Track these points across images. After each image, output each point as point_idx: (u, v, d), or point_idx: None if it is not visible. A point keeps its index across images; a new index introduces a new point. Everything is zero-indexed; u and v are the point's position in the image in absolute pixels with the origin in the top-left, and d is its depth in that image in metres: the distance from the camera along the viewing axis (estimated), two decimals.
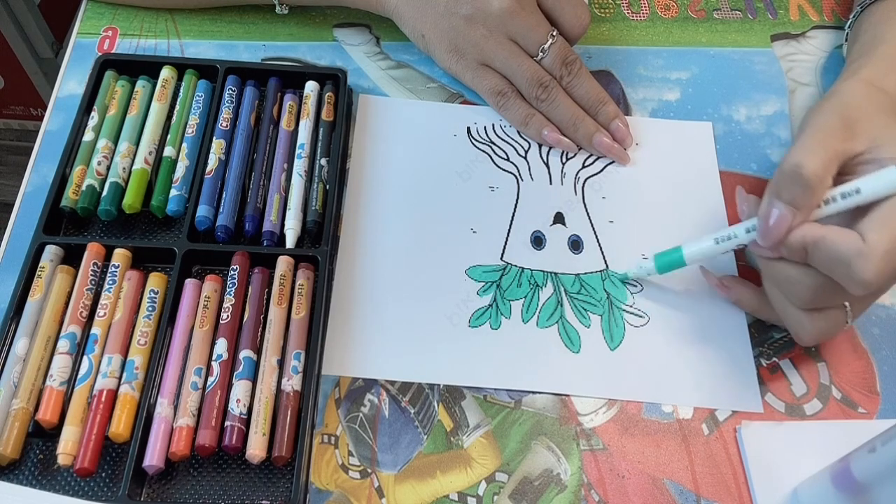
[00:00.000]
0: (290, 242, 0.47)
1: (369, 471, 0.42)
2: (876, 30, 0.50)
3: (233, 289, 0.44)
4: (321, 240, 0.47)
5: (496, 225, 0.50)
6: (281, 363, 0.43)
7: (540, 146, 0.53)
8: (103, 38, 0.56)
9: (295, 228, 0.47)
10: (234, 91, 0.51)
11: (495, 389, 0.45)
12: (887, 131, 0.41)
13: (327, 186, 0.49)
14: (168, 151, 0.49)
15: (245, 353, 0.43)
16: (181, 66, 0.53)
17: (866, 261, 0.37)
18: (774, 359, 0.46)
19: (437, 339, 0.46)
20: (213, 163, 0.48)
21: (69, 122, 0.50)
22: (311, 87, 0.52)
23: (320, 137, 0.51)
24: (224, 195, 0.47)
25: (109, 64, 0.52)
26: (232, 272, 0.45)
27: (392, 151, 0.52)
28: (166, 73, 0.52)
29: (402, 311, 0.47)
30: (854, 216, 0.40)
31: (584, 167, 0.53)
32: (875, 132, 0.41)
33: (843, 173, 0.41)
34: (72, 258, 0.46)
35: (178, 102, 0.51)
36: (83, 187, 0.47)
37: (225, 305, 0.44)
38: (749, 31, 0.60)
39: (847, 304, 0.42)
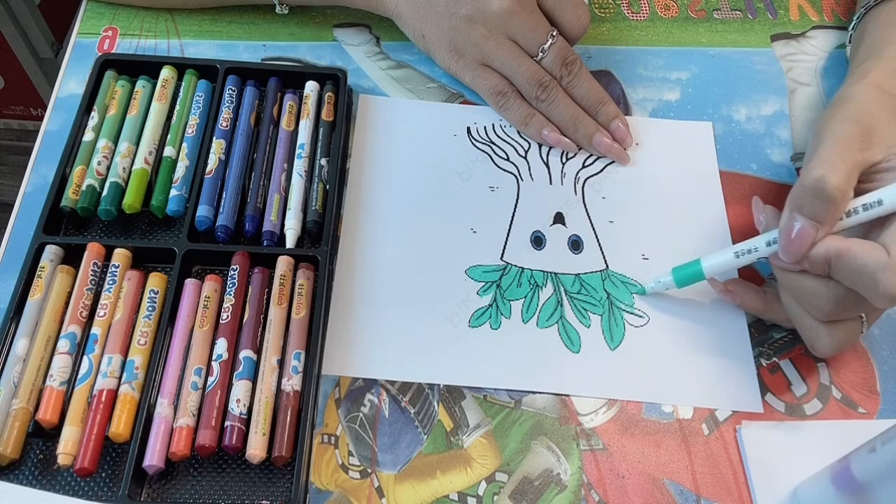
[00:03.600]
0: (290, 242, 0.47)
1: (369, 471, 0.42)
2: (882, 32, 0.50)
3: (233, 289, 0.44)
4: (321, 240, 0.47)
5: (496, 225, 0.50)
6: (281, 363, 0.43)
7: (540, 146, 0.53)
8: (103, 38, 0.56)
9: (295, 228, 0.47)
10: (234, 91, 0.51)
11: (495, 389, 0.45)
12: None
13: (327, 186, 0.49)
14: (168, 151, 0.49)
15: (245, 353, 0.43)
16: (181, 66, 0.53)
17: (892, 274, 0.36)
18: (774, 359, 0.46)
19: (437, 339, 0.46)
20: (213, 163, 0.48)
21: (69, 122, 0.50)
22: (311, 87, 0.52)
23: (320, 137, 0.51)
24: (224, 195, 0.47)
25: (109, 64, 0.52)
26: (232, 272, 0.45)
27: (392, 151, 0.52)
28: (166, 73, 0.52)
29: (402, 311, 0.47)
30: (872, 225, 0.40)
31: (584, 167, 0.53)
32: (892, 140, 0.41)
33: (860, 182, 0.40)
34: (72, 258, 0.46)
35: (178, 102, 0.51)
36: (83, 187, 0.47)
37: (225, 305, 0.44)
38: (749, 31, 0.60)
39: (863, 315, 0.42)
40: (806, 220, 0.39)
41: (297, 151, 0.50)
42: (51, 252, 0.45)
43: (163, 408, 0.41)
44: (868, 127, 0.41)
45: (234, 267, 0.45)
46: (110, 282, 0.44)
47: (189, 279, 0.45)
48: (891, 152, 0.41)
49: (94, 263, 0.45)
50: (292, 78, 0.53)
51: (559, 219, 0.50)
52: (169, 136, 0.50)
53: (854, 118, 0.42)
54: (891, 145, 0.41)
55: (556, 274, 0.48)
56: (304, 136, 0.50)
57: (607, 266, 0.49)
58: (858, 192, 0.40)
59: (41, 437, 0.41)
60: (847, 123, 0.41)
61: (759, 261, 0.43)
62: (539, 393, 0.45)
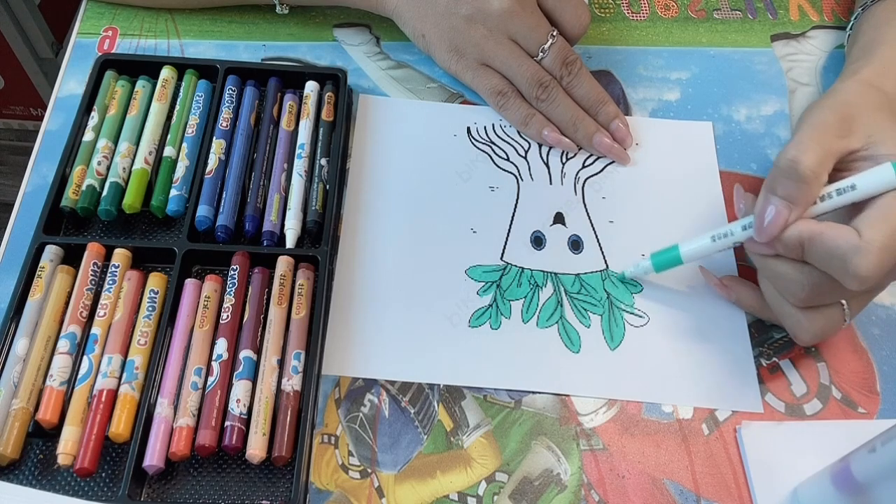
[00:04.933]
0: (290, 242, 0.47)
1: (369, 471, 0.42)
2: (876, 31, 0.50)
3: (233, 289, 0.44)
4: (321, 240, 0.47)
5: (496, 225, 0.50)
6: (281, 363, 0.43)
7: (540, 146, 0.53)
8: (103, 38, 0.56)
9: (295, 228, 0.47)
10: (234, 91, 0.51)
11: (495, 389, 0.45)
12: (883, 129, 0.41)
13: (327, 186, 0.49)
14: (168, 151, 0.49)
15: (245, 353, 0.43)
16: (181, 66, 0.53)
17: (862, 256, 0.37)
18: (774, 359, 0.46)
19: (437, 339, 0.46)
20: (213, 163, 0.48)
21: (69, 122, 0.50)
22: (311, 87, 0.52)
23: (320, 137, 0.51)
24: (224, 195, 0.47)
25: (109, 64, 0.52)
26: (232, 272, 0.45)
27: (392, 151, 0.52)
28: (166, 73, 0.52)
29: (402, 311, 0.47)
30: (849, 213, 0.40)
31: (584, 167, 0.53)
32: (871, 129, 0.41)
33: (839, 170, 0.41)
34: (72, 258, 0.46)
35: (178, 102, 0.51)
36: (83, 187, 0.47)
37: (225, 305, 0.44)
38: (749, 31, 0.60)
39: (844, 302, 0.42)
40: (779, 199, 0.40)
41: (297, 151, 0.50)
42: (51, 252, 0.45)
43: (163, 408, 0.41)
44: (847, 115, 0.42)
45: (234, 267, 0.45)
46: (110, 282, 0.44)
47: (189, 279, 0.45)
48: (869, 141, 0.41)
49: (94, 263, 0.45)
50: (292, 78, 0.53)
51: (559, 219, 0.50)
52: (169, 136, 0.50)
53: (834, 107, 0.42)
54: (869, 135, 0.41)
55: (556, 274, 0.48)
56: (304, 136, 0.50)
57: (607, 266, 0.49)
58: (836, 180, 0.40)
59: (41, 437, 0.41)
60: (826, 111, 0.42)
61: (733, 245, 0.44)
62: (539, 393, 0.45)
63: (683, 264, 0.46)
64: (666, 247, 0.46)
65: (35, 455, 0.41)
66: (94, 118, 0.50)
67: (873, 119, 0.42)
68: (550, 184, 0.52)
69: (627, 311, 0.47)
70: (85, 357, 0.42)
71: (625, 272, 0.48)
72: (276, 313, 0.44)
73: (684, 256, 0.46)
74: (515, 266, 0.48)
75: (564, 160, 0.53)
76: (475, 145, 0.53)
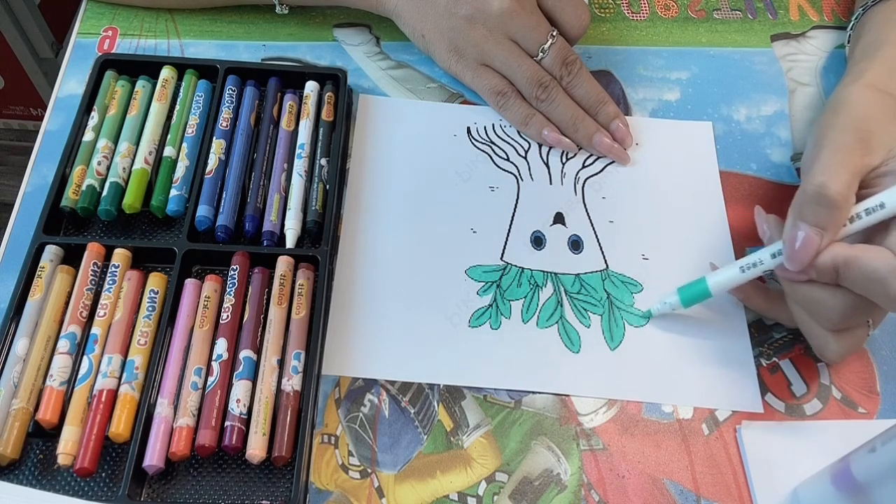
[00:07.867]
0: (290, 242, 0.47)
1: (369, 471, 0.42)
2: (879, 31, 0.50)
3: (233, 289, 0.44)
4: (321, 240, 0.47)
5: (496, 225, 0.50)
6: (281, 363, 0.43)
7: (540, 146, 0.53)
8: (103, 38, 0.56)
9: (295, 228, 0.47)
10: (234, 91, 0.51)
11: (495, 389, 0.45)
12: None
13: (327, 186, 0.49)
14: (168, 151, 0.49)
15: (245, 353, 0.43)
16: (181, 66, 0.53)
17: None
18: (774, 359, 0.46)
19: (437, 339, 0.46)
20: (213, 163, 0.48)
21: (69, 122, 0.50)
22: (311, 87, 0.52)
23: (320, 137, 0.51)
24: (224, 195, 0.47)
25: (109, 64, 0.52)
26: (232, 272, 0.45)
27: (392, 151, 0.52)
28: (166, 73, 0.52)
29: (402, 311, 0.47)
30: (875, 230, 0.40)
31: (584, 167, 0.53)
32: (890, 142, 0.41)
33: (861, 187, 0.41)
34: (72, 258, 0.46)
35: (178, 102, 0.51)
36: (83, 187, 0.47)
37: (225, 305, 0.44)
38: (749, 31, 0.60)
39: (869, 318, 0.42)
40: (810, 227, 0.39)
41: (297, 151, 0.50)
42: (51, 252, 0.45)
43: (163, 408, 0.41)
44: (866, 132, 0.41)
45: (234, 267, 0.45)
46: (110, 282, 0.44)
47: (189, 279, 0.45)
48: (889, 155, 0.41)
49: (94, 263, 0.45)
50: (292, 78, 0.53)
51: (559, 219, 0.50)
52: (169, 136, 0.50)
53: (852, 125, 0.42)
54: (889, 148, 0.41)
55: (556, 274, 0.48)
56: (304, 136, 0.50)
57: (607, 266, 0.49)
58: (859, 198, 0.40)
59: (41, 437, 0.41)
60: (845, 131, 0.42)
61: (763, 274, 0.43)
62: (539, 393, 0.45)
63: (712, 297, 0.45)
64: (693, 280, 0.45)
65: (35, 455, 0.41)
66: (94, 118, 0.50)
67: (890, 131, 0.42)
68: (550, 184, 0.52)
69: (627, 311, 0.47)
70: (85, 357, 0.42)
71: (651, 309, 0.47)
72: (276, 313, 0.44)
73: (713, 289, 0.44)
74: (515, 266, 0.48)
75: (564, 160, 0.53)
76: (475, 145, 0.53)
